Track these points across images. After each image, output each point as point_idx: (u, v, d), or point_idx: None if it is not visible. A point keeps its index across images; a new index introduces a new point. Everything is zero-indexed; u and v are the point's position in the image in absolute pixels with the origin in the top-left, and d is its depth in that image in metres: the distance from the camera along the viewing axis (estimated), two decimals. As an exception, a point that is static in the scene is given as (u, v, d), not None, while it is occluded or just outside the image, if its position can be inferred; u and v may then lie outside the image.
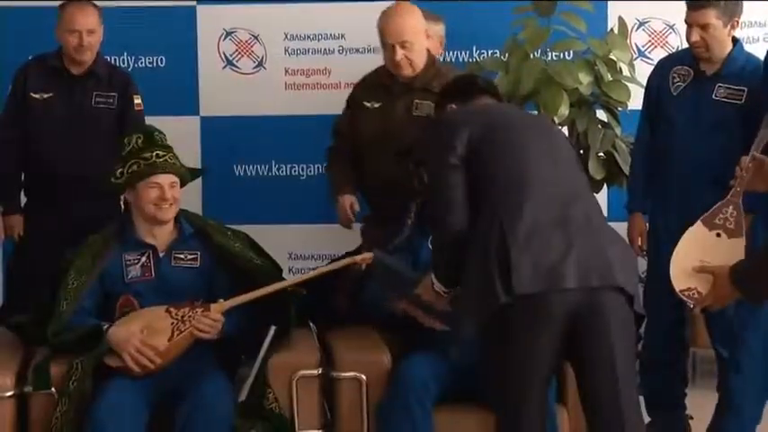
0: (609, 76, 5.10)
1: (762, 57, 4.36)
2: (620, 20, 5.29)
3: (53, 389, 3.68)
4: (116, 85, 4.91)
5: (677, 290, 3.19)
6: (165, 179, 3.90)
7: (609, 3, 5.61)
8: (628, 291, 3.22)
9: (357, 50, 5.51)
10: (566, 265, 3.15)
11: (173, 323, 3.78)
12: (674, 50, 5.54)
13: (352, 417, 3.84)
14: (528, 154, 3.34)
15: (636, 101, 5.02)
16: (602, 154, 5.11)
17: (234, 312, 3.85)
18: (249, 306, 3.90)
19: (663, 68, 4.61)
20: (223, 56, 5.65)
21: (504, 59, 5.18)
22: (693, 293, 3.17)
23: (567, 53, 5.42)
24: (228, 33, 5.65)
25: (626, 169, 5.00)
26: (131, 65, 5.56)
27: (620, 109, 5.19)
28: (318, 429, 3.87)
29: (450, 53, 5.58)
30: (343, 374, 3.85)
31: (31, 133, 4.87)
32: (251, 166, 5.69)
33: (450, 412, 3.81)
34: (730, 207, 3.27)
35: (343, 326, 4.14)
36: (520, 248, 3.15)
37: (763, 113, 4.12)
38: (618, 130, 5.17)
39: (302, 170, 5.60)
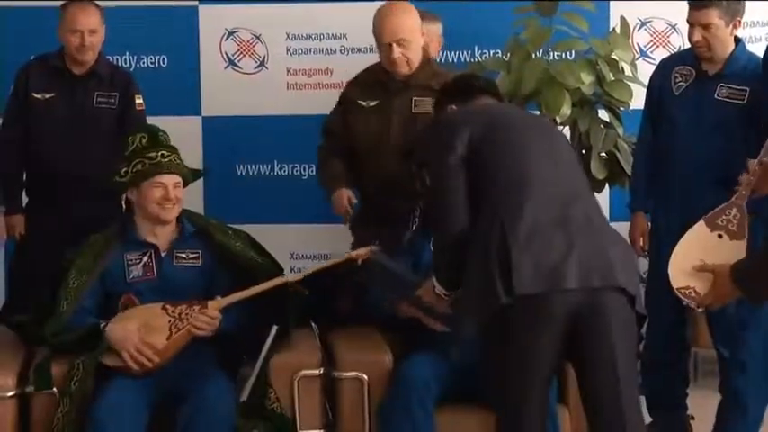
0: (611, 75, 5.10)
1: (763, 56, 4.36)
2: (622, 20, 5.29)
3: (54, 389, 3.68)
4: (117, 84, 4.91)
5: (675, 287, 3.20)
6: (170, 179, 3.91)
7: (611, 2, 5.61)
8: (629, 291, 3.22)
9: (359, 50, 5.51)
10: (567, 266, 3.14)
11: (170, 321, 3.78)
12: (675, 50, 5.53)
13: (353, 417, 3.84)
14: (528, 154, 3.34)
15: (638, 101, 5.01)
16: (604, 154, 5.11)
17: (232, 309, 3.85)
18: (249, 305, 3.90)
19: (665, 68, 4.60)
20: (225, 56, 5.65)
21: (506, 59, 5.18)
22: (691, 292, 3.18)
23: (568, 53, 5.41)
24: (230, 33, 5.65)
25: (628, 169, 4.99)
26: (133, 65, 5.56)
27: (622, 109, 5.19)
28: (320, 429, 3.87)
29: (452, 53, 5.59)
30: (344, 374, 3.86)
31: (32, 133, 4.88)
32: (253, 166, 5.70)
33: (452, 412, 3.81)
34: (734, 209, 3.27)
35: (344, 326, 4.14)
36: (520, 248, 3.15)
37: (765, 113, 4.14)
38: (620, 130, 5.17)
39: (304, 170, 5.60)
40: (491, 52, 5.53)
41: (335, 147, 4.56)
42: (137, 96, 4.94)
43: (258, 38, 5.66)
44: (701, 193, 4.19)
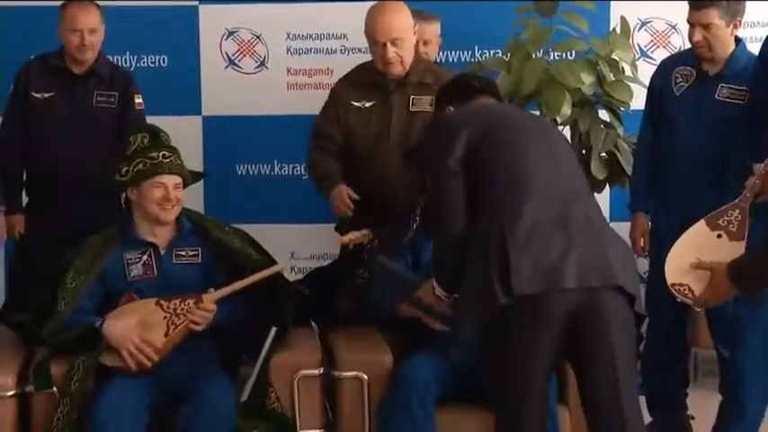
0: (611, 76, 5.10)
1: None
2: (623, 20, 5.28)
3: (54, 388, 3.68)
4: (117, 84, 4.91)
5: (669, 283, 3.21)
6: (170, 180, 3.91)
7: (611, 3, 5.60)
8: (628, 291, 3.21)
9: (359, 50, 5.48)
10: (566, 265, 3.14)
11: (166, 317, 3.79)
12: (676, 50, 5.53)
13: (353, 416, 3.85)
14: (528, 154, 3.33)
15: (638, 101, 5.01)
16: (604, 154, 5.10)
17: (225, 302, 3.85)
18: (248, 303, 3.91)
19: (665, 69, 4.60)
20: (225, 55, 5.65)
21: (506, 59, 5.17)
22: (685, 289, 3.19)
23: (569, 53, 5.41)
24: (231, 33, 5.65)
25: (628, 169, 4.99)
26: (134, 64, 5.56)
27: (622, 109, 5.18)
28: (320, 429, 3.87)
29: (452, 53, 5.59)
30: (344, 374, 3.86)
31: (32, 132, 4.88)
32: (253, 166, 5.70)
33: (452, 412, 3.81)
34: (737, 211, 3.27)
35: (344, 326, 4.14)
36: (519, 249, 3.14)
37: (764, 113, 4.13)
38: (620, 130, 5.16)
39: (304, 170, 5.58)
40: (491, 52, 5.53)
41: (330, 148, 4.50)
42: (136, 96, 4.94)
43: (258, 38, 5.66)
44: (702, 193, 4.20)
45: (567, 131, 5.05)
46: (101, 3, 4.90)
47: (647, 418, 4.48)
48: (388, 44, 4.37)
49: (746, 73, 4.33)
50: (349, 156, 4.48)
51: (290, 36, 5.66)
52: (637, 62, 5.33)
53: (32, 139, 4.88)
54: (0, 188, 4.89)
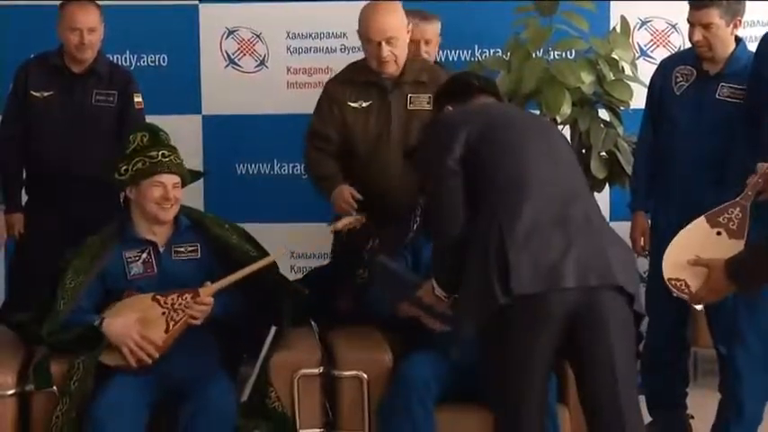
0: (611, 75, 5.10)
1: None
2: (623, 19, 5.28)
3: (54, 387, 3.68)
4: (116, 83, 4.91)
5: (666, 277, 3.21)
6: (170, 179, 3.91)
7: (611, 2, 5.61)
8: (628, 290, 3.20)
9: (359, 49, 5.45)
10: (565, 265, 3.13)
11: (164, 313, 3.79)
12: (676, 50, 5.54)
13: (353, 415, 3.85)
14: (527, 154, 3.32)
15: (638, 100, 5.01)
16: (604, 153, 5.10)
17: (222, 295, 3.86)
18: (245, 298, 3.92)
19: (665, 68, 4.60)
20: (225, 54, 5.65)
21: (506, 59, 5.17)
22: (681, 285, 3.19)
23: (569, 52, 5.41)
24: (231, 32, 5.65)
25: (628, 169, 4.99)
26: (133, 63, 5.56)
27: (622, 108, 5.18)
28: (319, 428, 3.87)
29: (452, 52, 5.59)
30: (344, 373, 3.86)
31: (31, 131, 4.87)
32: (253, 165, 5.70)
33: (452, 412, 3.81)
34: (737, 209, 3.27)
35: (344, 325, 4.14)
36: (518, 248, 3.13)
37: (763, 111, 4.14)
38: (620, 130, 5.17)
39: (304, 169, 5.59)
40: (491, 51, 5.53)
41: (328, 148, 4.46)
42: (136, 95, 4.93)
43: (258, 36, 5.66)
44: (702, 192, 4.20)
45: (566, 131, 5.05)
46: (100, 2, 4.90)
47: (647, 418, 4.49)
48: (383, 43, 4.35)
49: (747, 72, 4.33)
50: (349, 156, 4.46)
51: (290, 35, 5.66)
52: (637, 61, 5.34)
53: (32, 138, 4.88)
54: (-1, 187, 4.91)
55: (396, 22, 4.40)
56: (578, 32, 5.15)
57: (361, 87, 4.46)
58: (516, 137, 3.38)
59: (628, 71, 5.16)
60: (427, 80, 4.45)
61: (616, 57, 5.13)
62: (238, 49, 5.65)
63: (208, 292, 3.82)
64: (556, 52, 5.41)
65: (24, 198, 4.98)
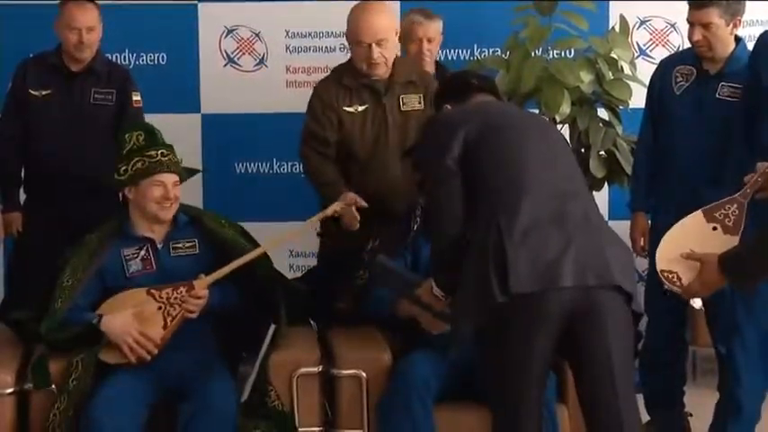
0: (610, 74, 5.10)
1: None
2: (622, 18, 5.29)
3: (53, 386, 3.68)
4: (114, 81, 4.90)
5: (658, 269, 3.22)
6: (169, 178, 3.92)
7: (610, 1, 5.62)
8: (626, 289, 3.20)
9: (358, 48, 5.50)
10: (563, 263, 3.13)
11: (160, 307, 3.79)
12: (675, 49, 5.55)
13: (352, 414, 3.84)
14: (526, 153, 3.31)
15: (637, 99, 5.02)
16: (603, 152, 5.11)
17: (217, 287, 3.86)
18: (242, 292, 3.93)
19: (665, 68, 4.60)
20: (224, 53, 5.65)
21: (506, 58, 5.18)
22: (674, 277, 3.20)
23: (568, 51, 5.42)
24: (230, 31, 5.65)
25: (627, 168, 5.00)
26: (133, 62, 5.56)
27: (621, 107, 5.19)
28: (319, 427, 3.87)
29: (452, 51, 5.59)
30: (343, 372, 3.86)
31: (30, 130, 4.87)
32: (252, 164, 5.70)
33: (451, 410, 3.81)
34: (735, 205, 3.28)
35: (343, 324, 4.14)
36: (517, 246, 3.13)
37: (761, 111, 4.14)
38: (619, 129, 5.17)
39: (303, 171, 5.59)
40: (490, 51, 5.53)
41: (328, 152, 4.42)
42: (134, 93, 4.93)
43: (257, 35, 5.66)
44: (701, 191, 4.19)
45: (565, 130, 5.05)
46: (100, 1, 4.90)
47: (645, 417, 4.49)
48: (373, 45, 4.31)
49: (747, 72, 4.33)
50: (347, 159, 4.45)
51: (290, 34, 5.66)
52: (636, 61, 5.34)
53: (30, 137, 4.87)
54: (-3, 186, 4.91)
55: (386, 23, 4.37)
56: (577, 32, 5.15)
57: (355, 91, 4.42)
58: (515, 136, 3.37)
59: (627, 70, 5.17)
60: (417, 80, 4.45)
61: (615, 56, 5.14)
62: (237, 47, 5.66)
63: (202, 284, 3.82)
64: (555, 51, 5.41)
65: (23, 197, 4.98)
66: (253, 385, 3.79)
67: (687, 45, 4.59)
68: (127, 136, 3.98)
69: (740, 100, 4.31)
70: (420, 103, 4.42)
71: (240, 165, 5.70)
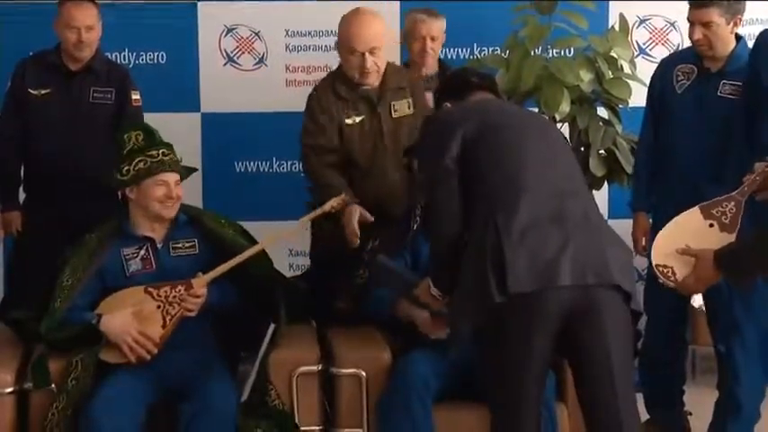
0: (610, 73, 5.10)
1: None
2: (621, 17, 5.29)
3: (53, 385, 3.68)
4: (114, 80, 4.89)
5: (654, 263, 3.24)
6: (171, 177, 3.93)
7: (610, 0, 5.62)
8: (624, 288, 3.19)
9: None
10: (561, 262, 3.12)
11: (159, 306, 3.80)
12: (674, 48, 5.55)
13: (351, 413, 3.85)
14: (525, 152, 3.31)
15: (637, 98, 5.02)
16: (602, 151, 5.11)
17: (216, 285, 3.86)
18: (241, 290, 3.93)
19: (666, 67, 4.59)
20: (224, 52, 5.65)
21: (505, 56, 5.18)
22: (668, 272, 3.21)
23: (567, 50, 5.42)
24: (229, 30, 5.65)
25: (627, 167, 5.00)
26: (132, 61, 5.56)
27: (620, 106, 5.19)
28: (318, 426, 3.87)
29: (451, 50, 5.59)
30: (343, 371, 3.86)
31: (29, 129, 4.87)
32: (252, 163, 5.70)
33: (451, 409, 3.81)
34: (732, 203, 3.29)
35: (343, 323, 4.14)
36: (515, 245, 3.12)
37: (760, 110, 4.14)
38: (619, 128, 5.17)
39: (302, 168, 5.60)
40: (490, 49, 5.53)
41: (331, 159, 4.38)
42: (133, 92, 4.92)
43: (257, 35, 5.66)
44: (702, 189, 4.19)
45: (565, 129, 5.05)
46: (100, 0, 4.90)
47: (645, 416, 4.49)
48: (367, 54, 4.28)
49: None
50: (347, 167, 4.41)
51: (289, 33, 5.66)
52: (635, 59, 5.34)
53: (30, 136, 4.87)
54: (-3, 185, 4.90)
55: (379, 31, 4.33)
56: (577, 30, 5.15)
57: (351, 103, 4.38)
58: (513, 135, 3.37)
59: (626, 69, 5.17)
60: (406, 85, 4.44)
61: (615, 55, 5.14)
62: (237, 47, 5.66)
63: (200, 283, 3.83)
64: (554, 50, 5.41)
65: (22, 196, 4.98)
66: (253, 384, 3.79)
67: (686, 44, 4.59)
68: (126, 136, 3.98)
69: (740, 98, 4.32)
70: (409, 107, 4.43)
71: (240, 164, 5.70)
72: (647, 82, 4.71)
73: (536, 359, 3.18)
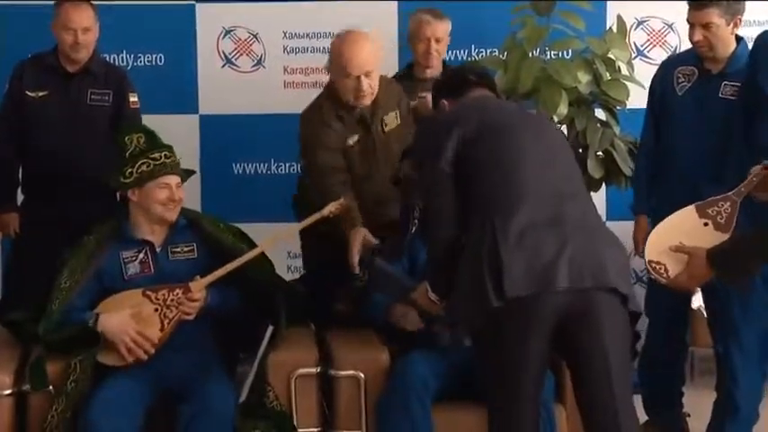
0: (607, 74, 5.10)
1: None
2: (619, 19, 5.29)
3: (51, 387, 3.68)
4: (111, 82, 4.89)
5: (647, 259, 3.25)
6: (173, 180, 3.95)
7: (608, 2, 5.62)
8: (621, 291, 3.18)
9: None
10: (558, 266, 3.11)
11: (157, 309, 3.80)
12: (672, 49, 5.55)
13: (350, 415, 3.85)
14: (523, 155, 3.29)
15: (634, 100, 5.02)
16: (600, 153, 5.10)
17: (216, 288, 3.87)
18: (241, 294, 3.93)
19: (666, 69, 4.59)
20: (222, 54, 5.65)
21: (503, 58, 5.17)
22: (661, 269, 3.23)
23: (565, 52, 5.42)
24: (228, 32, 5.65)
25: (625, 168, 5.00)
26: (130, 63, 5.56)
27: (618, 108, 5.18)
28: (317, 428, 3.87)
29: (450, 52, 5.57)
30: (341, 373, 3.86)
31: (27, 131, 4.86)
32: (250, 165, 5.70)
33: (449, 410, 3.81)
34: (728, 203, 3.30)
35: (342, 325, 4.14)
36: (511, 248, 3.11)
37: (758, 112, 4.14)
38: (616, 129, 5.17)
39: (300, 169, 5.59)
40: (488, 51, 5.53)
41: (347, 179, 4.31)
42: (131, 94, 4.92)
43: (255, 36, 5.66)
44: (702, 190, 4.19)
45: (563, 130, 5.04)
46: (97, 1, 4.90)
47: (644, 417, 4.49)
48: (362, 76, 4.23)
49: (749, 71, 4.33)
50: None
51: (287, 35, 5.66)
52: (633, 61, 5.34)
53: (28, 138, 4.87)
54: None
55: (373, 53, 4.28)
56: (575, 32, 5.15)
57: (351, 124, 4.34)
58: (511, 136, 3.34)
59: (624, 71, 5.17)
60: (395, 96, 4.43)
61: (612, 56, 5.13)
62: (235, 48, 5.65)
63: (198, 287, 3.83)
64: (552, 52, 5.41)
65: (20, 197, 4.97)
66: (251, 386, 3.79)
67: (684, 45, 4.60)
68: (127, 138, 3.98)
69: (738, 99, 4.32)
70: (397, 118, 4.42)
71: (238, 165, 5.69)
72: (645, 83, 4.71)
73: (533, 360, 3.18)
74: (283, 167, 5.68)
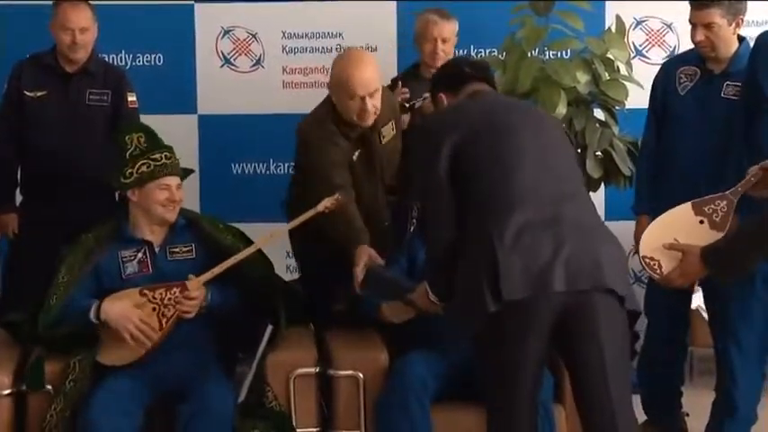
0: (606, 74, 5.10)
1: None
2: (618, 19, 5.29)
3: (49, 387, 3.68)
4: (110, 82, 4.89)
5: (640, 255, 3.26)
6: (174, 180, 3.95)
7: (606, 2, 5.62)
8: (618, 292, 3.17)
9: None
10: (555, 268, 3.10)
11: (155, 308, 3.80)
12: (671, 49, 5.55)
13: (349, 415, 3.85)
14: (522, 155, 3.27)
15: (633, 100, 5.02)
16: (599, 153, 5.10)
17: (216, 287, 3.87)
18: (240, 292, 3.93)
19: (668, 69, 4.60)
20: (221, 54, 5.65)
21: (502, 58, 5.18)
22: (654, 264, 3.25)
23: (564, 52, 5.42)
24: (226, 32, 5.65)
25: (623, 168, 5.00)
26: (129, 63, 5.55)
27: (617, 108, 5.18)
28: (316, 427, 3.87)
29: (449, 52, 5.58)
30: (340, 372, 3.86)
31: (26, 131, 4.86)
32: (248, 165, 5.69)
33: (449, 410, 3.81)
34: (724, 202, 3.31)
35: (340, 325, 4.14)
36: (508, 251, 3.10)
37: (758, 112, 4.14)
38: (615, 129, 5.17)
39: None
40: (487, 51, 5.53)
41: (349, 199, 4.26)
42: (129, 94, 4.92)
43: (254, 36, 5.66)
44: (704, 190, 4.18)
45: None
46: (96, 1, 4.89)
47: (643, 417, 4.49)
48: (367, 97, 4.19)
49: (750, 71, 4.33)
50: None
51: (286, 35, 5.66)
52: (632, 61, 5.34)
53: (27, 138, 4.87)
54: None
55: (376, 73, 4.25)
56: (574, 32, 5.15)
57: (354, 142, 4.32)
58: (507, 137, 3.31)
59: (623, 71, 5.17)
60: (393, 110, 4.43)
61: (611, 56, 5.13)
62: (234, 48, 5.65)
63: (195, 285, 3.82)
64: (551, 52, 5.41)
65: (19, 198, 4.97)
66: (250, 386, 3.79)
67: (683, 45, 4.60)
68: (127, 138, 3.97)
69: (740, 99, 4.32)
70: (393, 129, 4.42)
71: (237, 165, 5.69)
72: (644, 83, 4.71)
73: (532, 360, 3.17)
74: (282, 167, 5.67)
